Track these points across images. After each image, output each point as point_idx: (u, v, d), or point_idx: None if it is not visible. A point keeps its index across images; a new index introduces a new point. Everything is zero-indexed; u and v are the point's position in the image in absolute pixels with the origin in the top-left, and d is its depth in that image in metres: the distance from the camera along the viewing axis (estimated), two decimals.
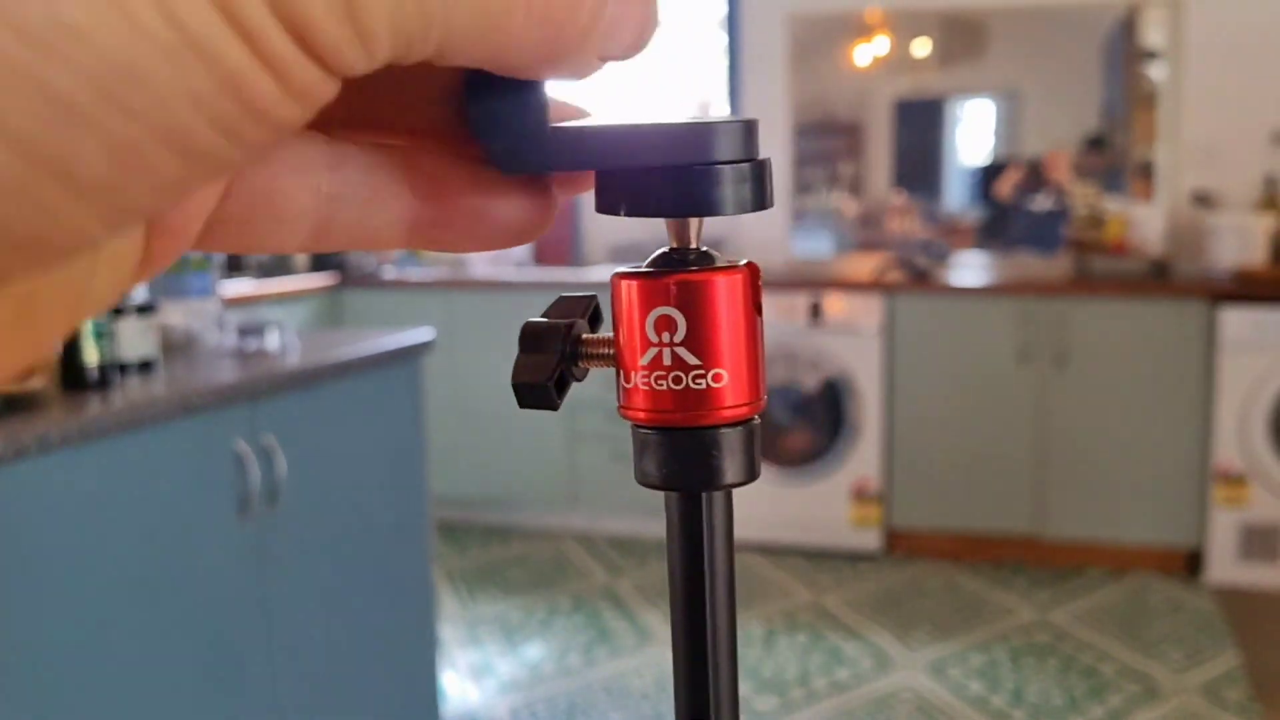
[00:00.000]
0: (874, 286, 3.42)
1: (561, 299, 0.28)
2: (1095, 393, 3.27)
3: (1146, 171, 4.37)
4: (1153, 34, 4.37)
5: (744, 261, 0.25)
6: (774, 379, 3.47)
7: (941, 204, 5.58)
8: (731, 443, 0.25)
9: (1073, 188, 4.38)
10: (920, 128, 5.85)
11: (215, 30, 0.14)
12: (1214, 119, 3.62)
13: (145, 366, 1.80)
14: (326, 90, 0.16)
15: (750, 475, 0.25)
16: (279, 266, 4.08)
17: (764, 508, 3.48)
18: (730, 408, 0.24)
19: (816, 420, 3.49)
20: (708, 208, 0.23)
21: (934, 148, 5.72)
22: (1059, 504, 3.33)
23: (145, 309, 1.82)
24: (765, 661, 2.74)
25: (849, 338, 3.41)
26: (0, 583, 1.40)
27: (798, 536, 3.50)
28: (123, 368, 1.77)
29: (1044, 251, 4.40)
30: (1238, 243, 3.38)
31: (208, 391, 1.70)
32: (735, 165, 0.23)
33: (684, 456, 0.25)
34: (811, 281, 3.51)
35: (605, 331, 0.26)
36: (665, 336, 0.24)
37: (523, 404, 0.26)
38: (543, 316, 0.27)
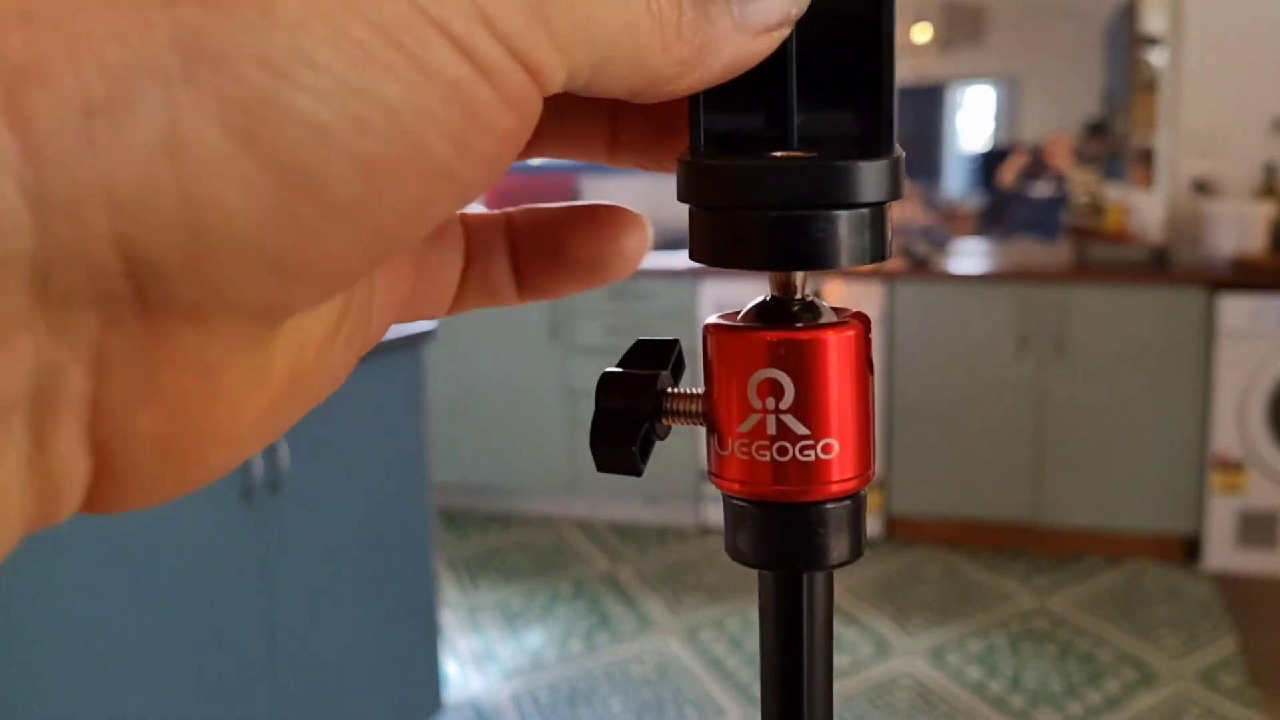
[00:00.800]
0: (874, 274, 3.42)
1: (640, 343, 0.25)
2: (1094, 380, 3.28)
3: (1147, 158, 4.36)
4: (1154, 19, 4.36)
5: (853, 312, 0.23)
6: None
7: (941, 190, 5.57)
8: (839, 519, 0.22)
9: (1073, 174, 4.38)
10: (921, 114, 5.83)
11: (433, 45, 0.14)
12: (1214, 106, 3.62)
13: None
14: (536, 101, 0.16)
15: (856, 553, 0.23)
16: None
17: None
18: (839, 481, 0.22)
19: None
20: (819, 261, 0.20)
21: (934, 134, 5.70)
22: (1058, 490, 3.35)
23: None
24: None
25: None
26: (1, 572, 1.41)
27: None
28: None
29: (1044, 238, 4.40)
30: (1237, 230, 3.38)
31: None
32: (856, 211, 0.20)
33: (786, 534, 0.22)
34: None
35: (689, 383, 0.24)
36: (770, 403, 0.22)
37: (601, 468, 0.24)
38: (620, 365, 0.25)
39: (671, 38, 0.18)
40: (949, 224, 4.61)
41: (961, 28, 5.31)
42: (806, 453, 0.21)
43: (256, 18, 0.13)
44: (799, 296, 0.22)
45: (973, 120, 6.00)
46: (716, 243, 0.21)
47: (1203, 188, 3.61)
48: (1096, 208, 3.78)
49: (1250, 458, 3.15)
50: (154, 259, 0.13)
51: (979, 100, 5.78)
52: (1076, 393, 3.30)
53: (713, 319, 0.23)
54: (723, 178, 0.20)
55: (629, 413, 0.23)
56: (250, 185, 0.14)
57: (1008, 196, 4.88)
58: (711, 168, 0.20)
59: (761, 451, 0.22)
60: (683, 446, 3.53)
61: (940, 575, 3.24)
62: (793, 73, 0.21)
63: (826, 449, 0.22)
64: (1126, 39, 5.27)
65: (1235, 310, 3.11)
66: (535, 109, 0.16)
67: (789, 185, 0.20)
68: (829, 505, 0.22)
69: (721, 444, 0.22)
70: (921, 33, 4.69)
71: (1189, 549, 3.30)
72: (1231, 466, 3.17)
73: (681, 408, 0.23)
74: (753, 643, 2.78)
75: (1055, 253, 3.73)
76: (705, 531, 3.55)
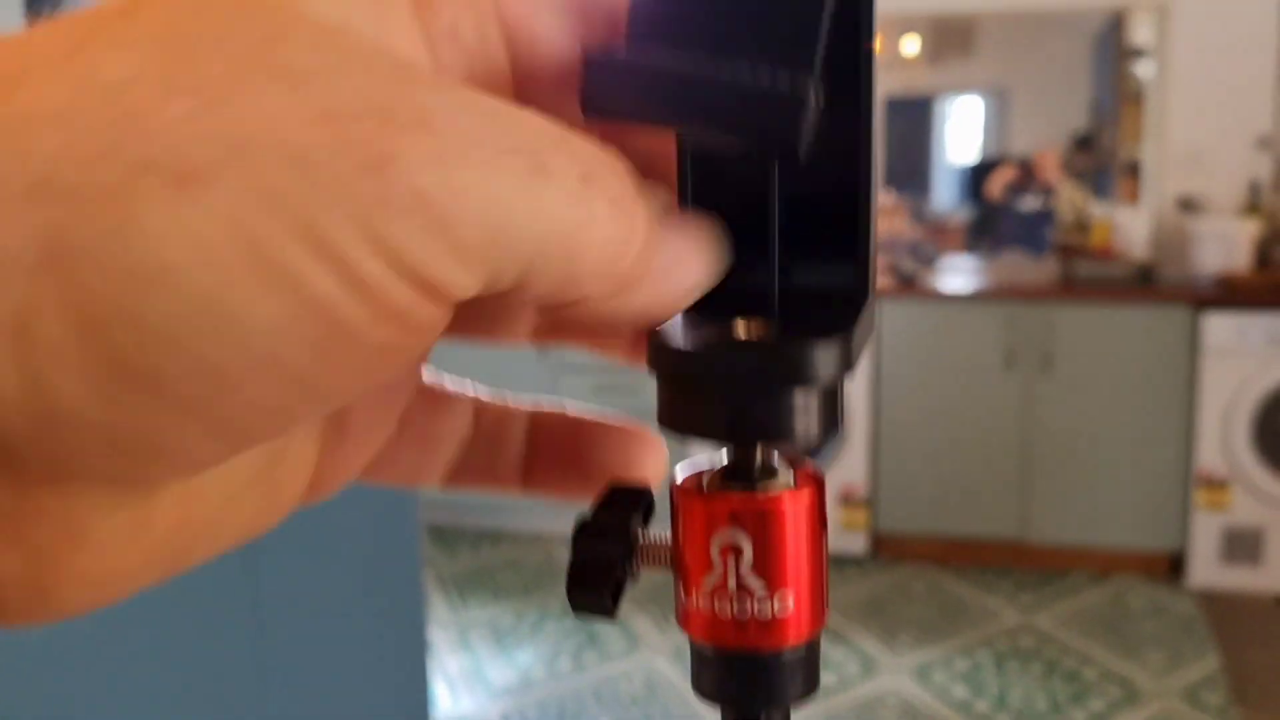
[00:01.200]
0: None
1: (613, 490, 0.26)
2: (1080, 397, 3.31)
3: (1134, 170, 4.39)
4: (1141, 32, 4.38)
5: (809, 471, 0.24)
6: None
7: (930, 203, 5.58)
8: (795, 664, 0.23)
9: (1062, 187, 4.40)
10: (910, 125, 5.84)
11: (303, 261, 0.14)
12: (1199, 124, 3.65)
13: None
14: (428, 314, 0.16)
15: (810, 690, 0.24)
16: None
17: None
18: (795, 631, 0.23)
19: None
20: (774, 435, 0.21)
21: (923, 146, 5.71)
22: (1044, 508, 3.37)
23: None
24: None
25: None
26: None
27: None
28: None
29: (1032, 252, 4.42)
30: (1222, 248, 3.41)
31: None
32: (811, 389, 0.21)
33: (745, 679, 0.23)
34: None
35: (658, 525, 0.25)
36: (730, 561, 0.23)
37: (577, 611, 0.25)
38: (593, 509, 0.25)
39: (607, 225, 0.17)
40: (937, 237, 4.63)
41: (950, 40, 5.32)
42: (764, 606, 0.23)
43: (119, 225, 0.14)
44: (757, 462, 0.23)
45: (961, 132, 6.01)
46: (676, 413, 0.22)
47: (1188, 205, 3.64)
48: (1082, 225, 3.80)
49: (1235, 475, 3.17)
50: (14, 438, 0.14)
51: (968, 112, 5.79)
52: (1062, 410, 3.32)
53: (679, 478, 0.24)
54: (683, 356, 0.21)
55: (602, 561, 0.24)
56: (88, 376, 0.14)
57: (996, 209, 4.90)
58: (667, 350, 0.22)
59: (723, 604, 0.23)
60: (671, 465, 3.55)
61: (926, 593, 3.26)
62: (774, 240, 0.23)
63: (783, 603, 0.23)
64: (1114, 51, 5.30)
65: (1220, 328, 3.14)
66: (428, 321, 0.16)
67: (746, 366, 0.21)
68: (785, 653, 0.23)
69: (686, 593, 0.24)
70: (910, 44, 4.71)
71: (1174, 566, 3.33)
72: (1216, 484, 3.19)
73: (652, 556, 0.25)
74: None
75: (1042, 269, 3.75)
76: None
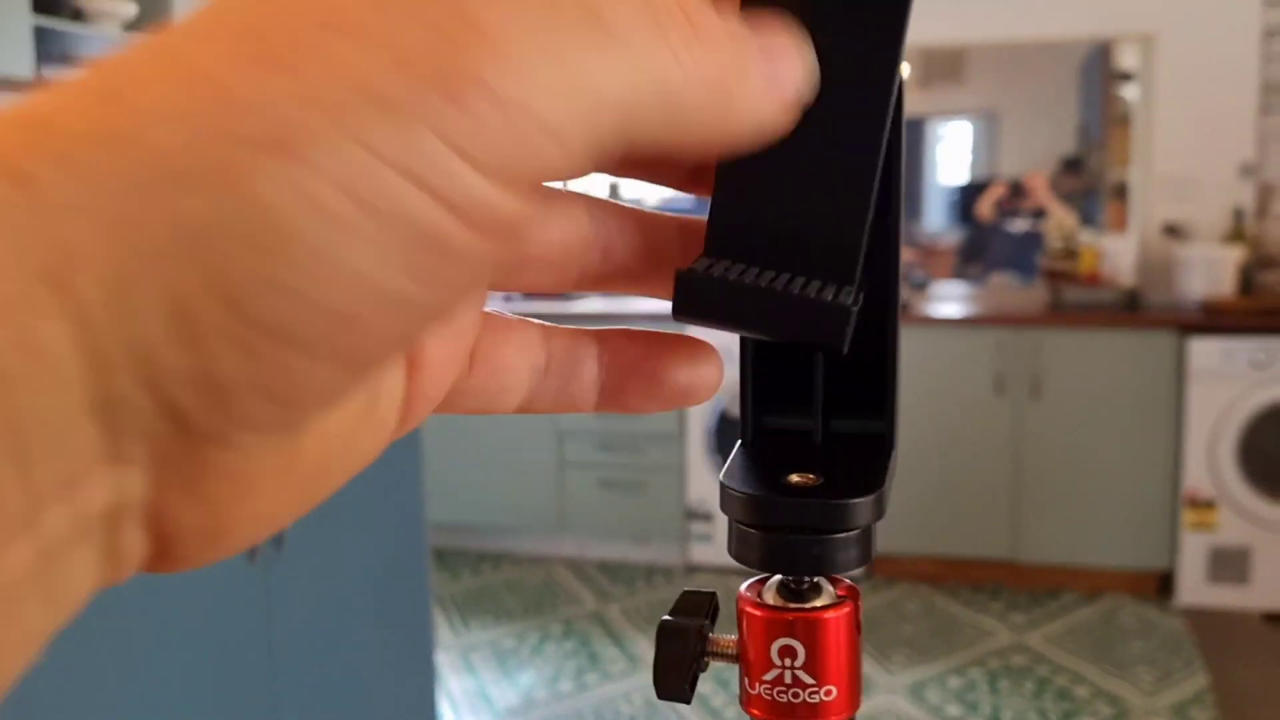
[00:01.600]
0: None
1: (686, 594, 0.32)
2: (1069, 421, 3.37)
3: (1122, 193, 4.47)
4: (1128, 56, 4.46)
5: (847, 585, 0.29)
6: None
7: (922, 225, 5.64)
8: None
9: (1053, 209, 4.47)
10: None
11: (407, 198, 0.16)
12: (1183, 152, 3.73)
13: None
14: (519, 216, 0.17)
15: None
16: None
17: None
18: (837, 713, 0.29)
19: None
20: (819, 570, 0.27)
21: (915, 169, 5.77)
22: (1034, 528, 3.43)
23: None
24: None
25: None
26: None
27: None
28: None
29: (1022, 276, 4.49)
30: (1207, 274, 3.48)
31: None
32: (850, 534, 0.27)
33: None
34: None
35: (724, 629, 0.31)
36: (787, 661, 0.29)
37: (661, 697, 0.30)
38: (671, 614, 0.31)
39: (690, 56, 0.18)
40: (929, 260, 4.70)
41: (941, 67, 5.38)
42: (813, 695, 0.29)
43: (238, 201, 0.15)
44: (805, 583, 0.29)
45: (952, 155, 6.05)
46: (745, 549, 0.28)
47: (1173, 231, 3.71)
48: (1070, 251, 3.88)
49: (1221, 495, 3.24)
50: (177, 403, 0.16)
51: (958, 135, 5.84)
52: (1052, 432, 3.39)
53: (746, 592, 0.30)
54: (749, 503, 0.28)
55: (682, 659, 0.31)
56: (239, 341, 0.16)
57: (986, 231, 4.97)
58: (736, 496, 0.28)
59: (780, 694, 0.29)
60: (670, 486, 3.61)
61: (920, 612, 3.32)
62: (818, 397, 0.29)
63: (828, 693, 0.29)
64: (1102, 77, 5.39)
65: (1205, 352, 3.21)
66: (518, 220, 0.17)
67: (796, 514, 0.27)
68: None
69: (750, 684, 0.30)
70: (901, 70, 4.78)
71: (1163, 585, 3.39)
72: (1203, 504, 3.26)
73: (720, 650, 0.31)
74: (737, 679, 2.84)
75: (1031, 295, 3.83)
76: (692, 570, 3.62)
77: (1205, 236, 3.69)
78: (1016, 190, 4.86)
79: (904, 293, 3.12)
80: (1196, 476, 3.25)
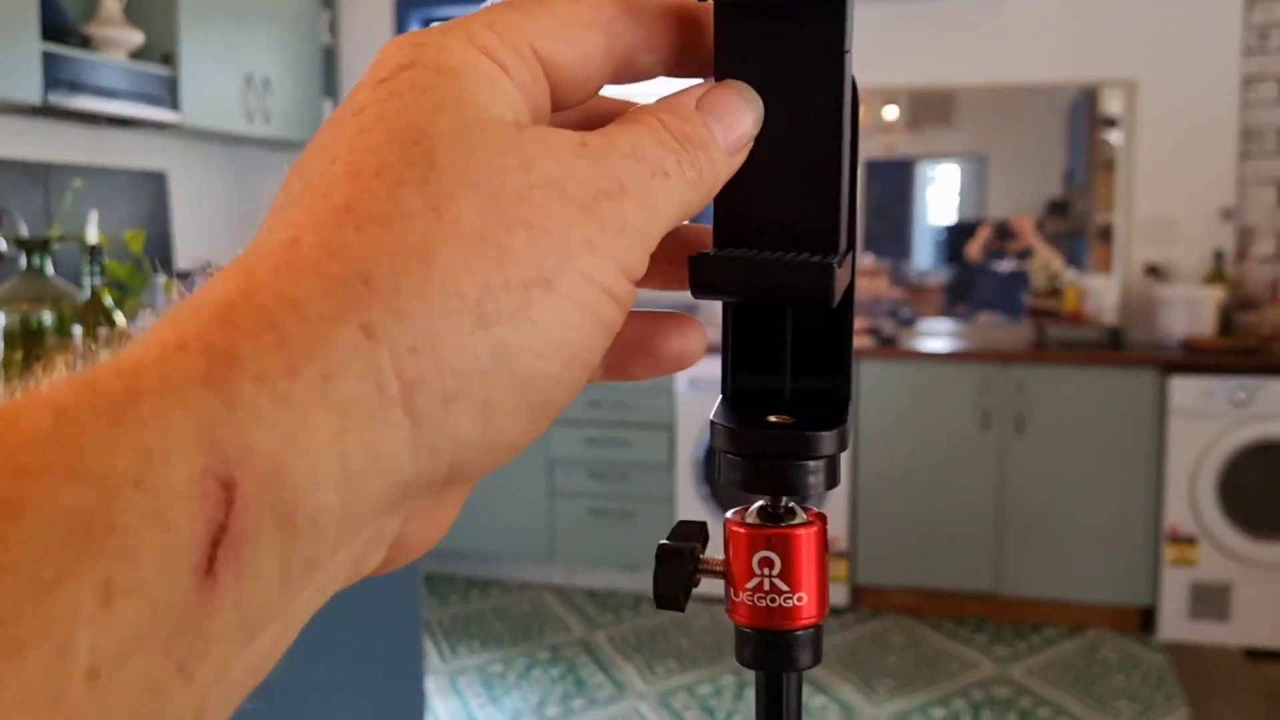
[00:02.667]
0: None
1: (681, 524, 0.37)
2: (1053, 457, 3.43)
3: (1106, 235, 4.55)
4: (1113, 103, 4.57)
5: (817, 512, 0.34)
6: None
7: (911, 264, 5.71)
8: (807, 641, 0.34)
9: (1040, 249, 4.54)
10: (890, 189, 5.99)
11: (605, 306, 0.24)
12: (1165, 195, 3.81)
13: None
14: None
15: (817, 661, 0.35)
16: None
17: None
18: (807, 618, 0.34)
19: None
20: (794, 491, 0.33)
21: (904, 209, 5.86)
22: (1018, 562, 3.48)
23: None
24: (735, 714, 2.86)
25: None
26: None
27: None
28: None
29: (1008, 315, 4.56)
30: (1187, 314, 3.55)
31: None
32: (819, 460, 0.32)
33: (774, 650, 0.34)
34: None
35: (712, 551, 0.35)
36: (765, 570, 0.33)
37: (660, 606, 0.35)
38: (668, 539, 0.36)
39: (689, 174, 0.26)
40: (917, 298, 4.76)
41: (930, 110, 5.47)
42: (787, 600, 0.33)
43: (529, 325, 0.22)
44: (782, 505, 0.34)
45: (941, 196, 6.12)
46: (732, 475, 0.33)
47: (1155, 272, 3.79)
48: (1055, 290, 3.95)
49: (1202, 532, 3.29)
50: (467, 467, 0.22)
51: (947, 177, 5.91)
52: (1035, 469, 3.44)
53: (732, 517, 0.35)
54: (735, 435, 0.33)
55: (678, 571, 0.35)
56: (522, 418, 0.23)
57: (974, 270, 5.04)
58: (723, 429, 0.33)
59: (759, 599, 0.34)
60: (659, 516, 3.64)
61: (904, 644, 3.35)
62: (788, 359, 0.35)
63: (800, 599, 0.34)
64: (1088, 120, 5.49)
65: (1186, 390, 3.27)
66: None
67: (774, 444, 0.32)
68: (800, 633, 0.34)
69: (735, 593, 0.34)
70: (890, 113, 4.87)
71: (1145, 620, 3.43)
72: (1184, 540, 3.30)
73: (709, 567, 0.36)
74: (723, 708, 2.87)
75: (1016, 333, 3.89)
76: None
77: (1186, 277, 3.77)
78: (1004, 231, 4.94)
79: (891, 328, 3.18)
80: (1178, 513, 3.30)
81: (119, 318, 1.73)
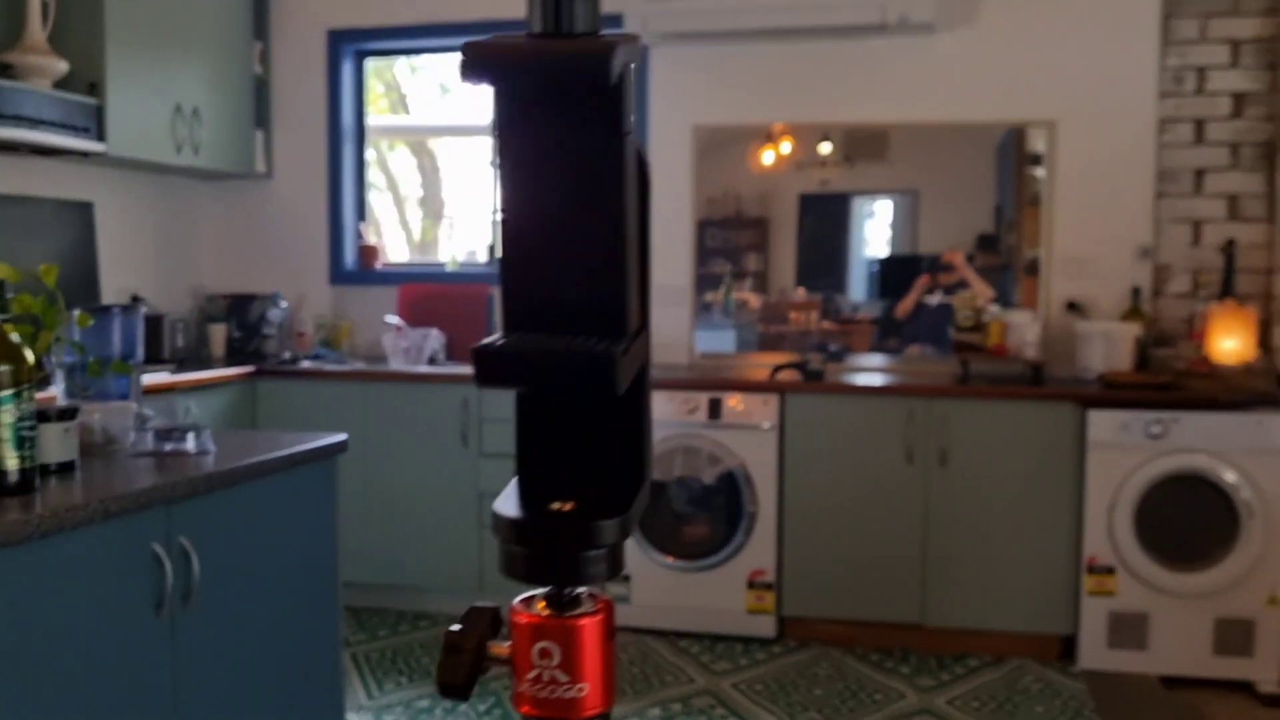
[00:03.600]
0: (769, 385, 3.61)
1: (472, 610, 0.37)
2: (976, 489, 3.49)
3: (1035, 270, 4.65)
4: (1040, 140, 4.69)
5: (601, 602, 0.36)
6: (675, 472, 3.63)
7: (843, 297, 5.79)
8: None
9: (973, 283, 4.63)
10: (824, 221, 6.08)
11: None
12: (1085, 233, 3.92)
13: (65, 469, 1.88)
14: None
15: None
16: (195, 358, 4.15)
17: (665, 595, 3.62)
18: (590, 709, 0.34)
19: (715, 512, 3.65)
20: (575, 581, 0.34)
21: (838, 241, 5.94)
22: (942, 593, 3.52)
23: (66, 413, 1.90)
24: None
25: (747, 434, 3.59)
26: None
27: (697, 623, 3.64)
28: (44, 469, 1.84)
29: (938, 347, 4.63)
30: (1106, 349, 3.64)
31: (125, 495, 1.79)
32: (600, 550, 0.32)
33: None
34: (712, 381, 3.69)
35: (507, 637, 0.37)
36: (544, 661, 0.34)
37: (443, 695, 0.38)
38: (458, 624, 0.36)
39: None
40: (849, 329, 4.82)
41: (863, 146, 5.55)
42: (568, 691, 0.34)
43: None
44: (566, 593, 0.35)
45: (874, 230, 6.19)
46: (512, 566, 0.35)
47: (1075, 308, 3.88)
48: (980, 324, 4.03)
49: (1120, 562, 3.36)
50: None
51: (881, 212, 6.00)
52: (959, 500, 3.50)
53: (518, 604, 0.36)
54: (512, 528, 0.34)
55: (463, 660, 0.37)
56: None
57: (903, 321, 5.10)
58: (504, 520, 0.34)
59: (540, 691, 0.34)
60: None
61: (830, 675, 3.37)
62: (578, 443, 0.36)
63: (580, 689, 0.34)
64: (1015, 158, 5.61)
65: (1104, 424, 3.35)
66: None
67: (555, 534, 0.34)
68: None
69: (517, 683, 0.36)
70: (825, 148, 4.94)
71: (1065, 649, 3.49)
72: (1102, 571, 3.37)
73: (496, 657, 0.37)
74: None
75: (942, 367, 3.96)
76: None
77: (1105, 313, 3.87)
78: (935, 264, 5.02)
79: (820, 362, 3.21)
80: (1096, 544, 3.37)
81: (28, 354, 1.71)
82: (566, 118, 0.31)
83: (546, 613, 0.35)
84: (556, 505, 0.34)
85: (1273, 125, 3.79)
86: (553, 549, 0.34)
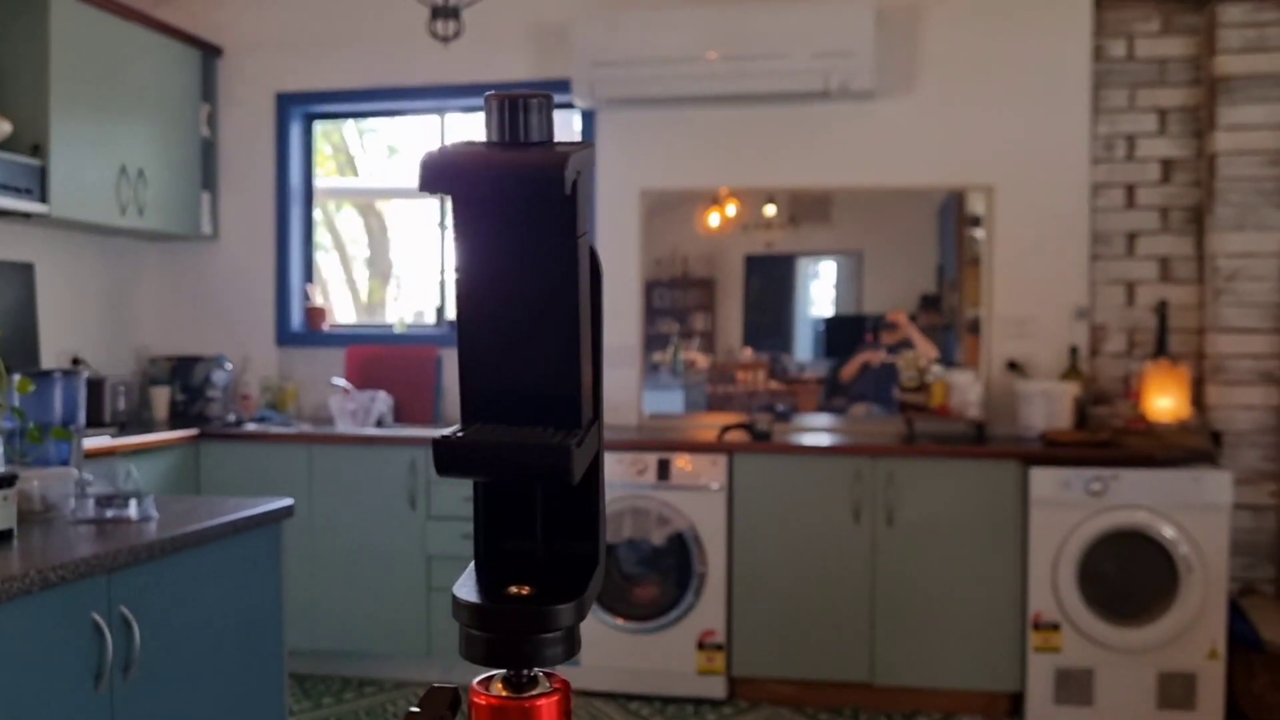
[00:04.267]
0: (718, 446, 3.63)
1: (432, 690, 0.38)
2: (922, 547, 3.52)
3: (976, 329, 4.74)
4: (979, 203, 4.80)
5: (559, 681, 0.35)
6: (624, 533, 3.63)
7: (790, 357, 5.85)
8: None
9: (918, 342, 4.70)
10: (770, 282, 6.16)
11: None
12: (1023, 294, 4.01)
13: (3, 538, 1.85)
14: None
15: None
16: (137, 421, 4.09)
17: (615, 657, 3.59)
18: None
19: (665, 573, 3.65)
20: (533, 664, 0.35)
21: (784, 301, 6.01)
22: (891, 652, 3.54)
23: (5, 480, 1.87)
24: None
25: (695, 494, 3.60)
26: None
27: (647, 685, 3.62)
28: None
29: (884, 406, 4.69)
30: (1046, 407, 3.71)
31: (65, 564, 1.76)
32: (556, 633, 0.34)
33: None
34: (660, 442, 3.71)
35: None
36: None
37: None
38: (416, 707, 0.37)
39: None
40: (796, 388, 4.86)
41: (809, 209, 5.64)
42: None
43: None
44: (525, 674, 0.36)
45: (820, 290, 6.27)
46: (472, 650, 0.35)
47: (1015, 368, 3.96)
48: (923, 384, 4.09)
49: (1064, 618, 3.40)
50: None
51: (825, 272, 6.08)
52: (905, 559, 3.53)
53: (476, 685, 0.36)
54: (472, 610, 0.34)
55: None
56: None
57: (846, 385, 5.17)
58: (463, 604, 0.35)
59: None
60: None
61: None
62: (538, 528, 0.37)
63: None
64: (956, 219, 5.74)
65: (1045, 481, 3.40)
66: None
67: (512, 618, 0.34)
68: None
69: None
70: (770, 210, 5.02)
71: (1014, 706, 3.51)
72: (1047, 627, 3.41)
73: None
74: None
75: (887, 427, 4.00)
76: None
77: (1044, 373, 3.95)
78: (879, 323, 5.10)
79: (767, 422, 3.24)
80: (1041, 600, 3.41)
81: None
82: (522, 223, 0.33)
83: (504, 694, 0.36)
84: (514, 589, 0.35)
85: (1200, 190, 3.93)
86: (511, 633, 0.35)
